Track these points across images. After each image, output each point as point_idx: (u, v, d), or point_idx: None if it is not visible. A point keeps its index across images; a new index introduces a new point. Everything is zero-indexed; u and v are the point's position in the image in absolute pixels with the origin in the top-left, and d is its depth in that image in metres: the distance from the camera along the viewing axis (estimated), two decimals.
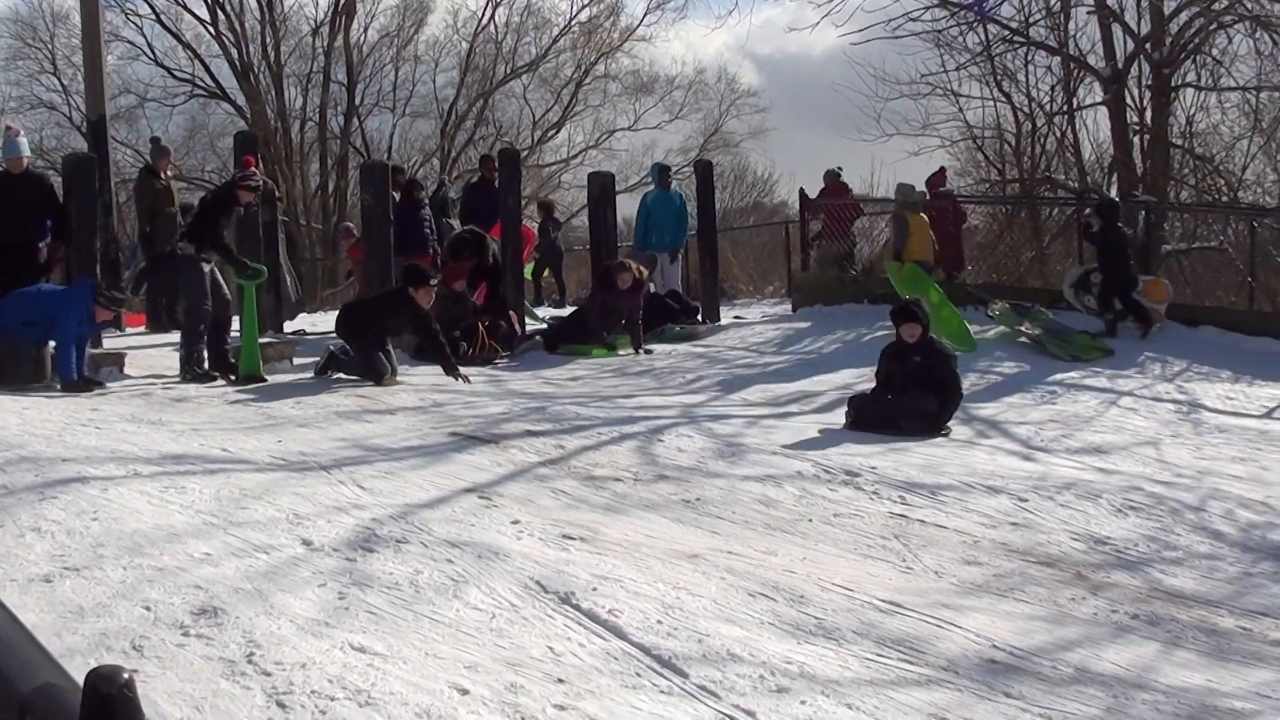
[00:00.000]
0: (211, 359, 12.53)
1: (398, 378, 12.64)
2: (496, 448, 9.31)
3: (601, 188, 17.56)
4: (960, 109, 28.33)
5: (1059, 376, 13.99)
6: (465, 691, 4.84)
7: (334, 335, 15.88)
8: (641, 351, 15.17)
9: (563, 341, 15.41)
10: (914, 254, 17.13)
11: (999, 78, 27.52)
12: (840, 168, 20.77)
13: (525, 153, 38.72)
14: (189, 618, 5.36)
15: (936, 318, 14.56)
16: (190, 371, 12.27)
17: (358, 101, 41.41)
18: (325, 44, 40.49)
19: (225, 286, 12.69)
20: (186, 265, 12.38)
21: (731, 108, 45.47)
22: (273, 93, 40.25)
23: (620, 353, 15.12)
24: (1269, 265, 21.66)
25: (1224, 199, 26.50)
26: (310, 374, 12.83)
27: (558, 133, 44.45)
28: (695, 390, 12.54)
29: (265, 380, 12.29)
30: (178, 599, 5.57)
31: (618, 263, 15.84)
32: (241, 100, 40.16)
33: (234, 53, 39.80)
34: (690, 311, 17.19)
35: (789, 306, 20.28)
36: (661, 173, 19.16)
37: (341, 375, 12.71)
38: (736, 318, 19.79)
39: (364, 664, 4.99)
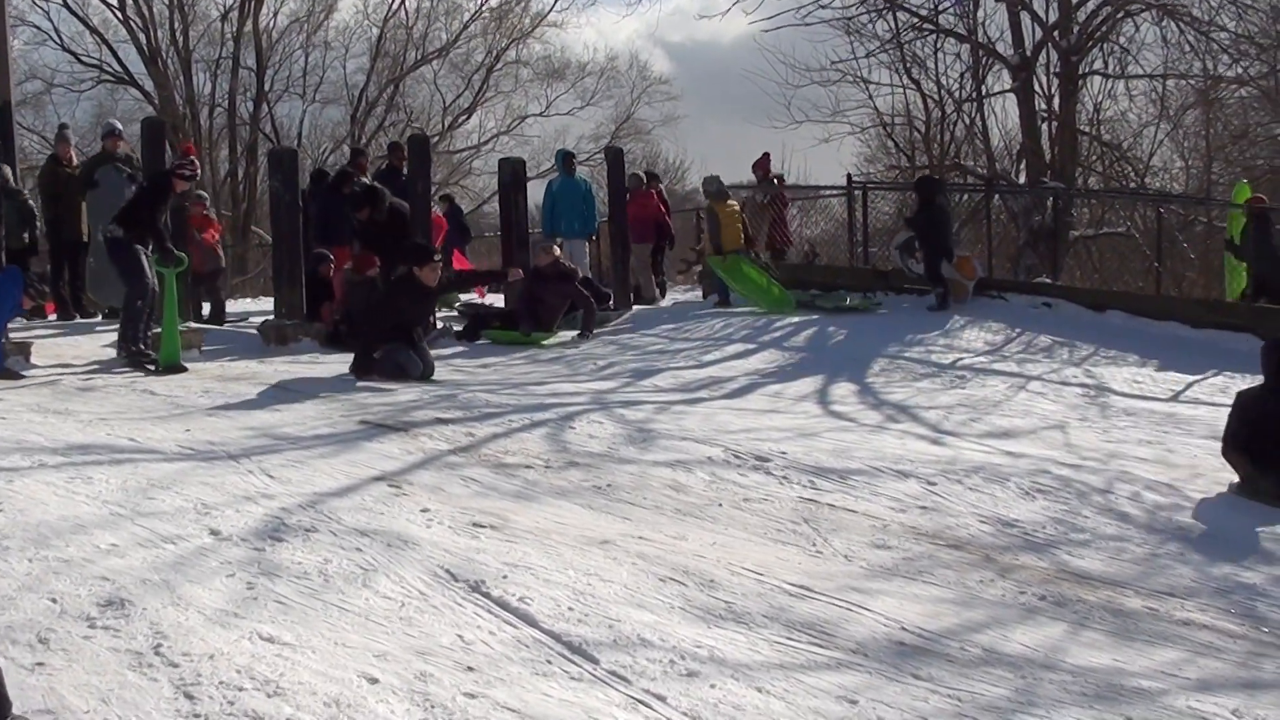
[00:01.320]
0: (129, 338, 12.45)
1: (433, 375, 12.14)
2: (406, 435, 9.27)
3: (513, 174, 17.51)
4: (870, 96, 28.65)
5: (968, 360, 14.12)
6: (375, 680, 4.82)
7: (241, 320, 15.84)
8: (589, 336, 15.14)
9: (486, 328, 15.34)
10: (728, 244, 17.94)
11: (908, 65, 27.81)
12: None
13: (436, 139, 38.56)
14: (95, 610, 5.31)
15: (765, 294, 17.20)
16: (128, 350, 12.24)
17: (267, 87, 41.07)
18: (234, 29, 40.09)
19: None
20: (121, 248, 12.30)
21: (643, 95, 45.58)
22: (181, 78, 39.83)
23: (547, 342, 14.85)
24: (1175, 251, 22.01)
25: (1131, 185, 26.85)
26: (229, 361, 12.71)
27: (469, 119, 44.35)
28: (607, 377, 12.53)
29: (185, 369, 12.10)
30: (84, 591, 5.52)
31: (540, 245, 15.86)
32: (150, 86, 39.72)
33: (142, 38, 39.33)
34: (602, 298, 17.18)
35: (700, 293, 20.33)
36: (566, 159, 19.14)
37: (373, 380, 11.79)
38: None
39: (272, 654, 4.97)
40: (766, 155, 21.02)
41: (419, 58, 43.00)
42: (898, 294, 17.62)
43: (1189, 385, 13.38)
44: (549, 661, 5.24)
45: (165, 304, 12.41)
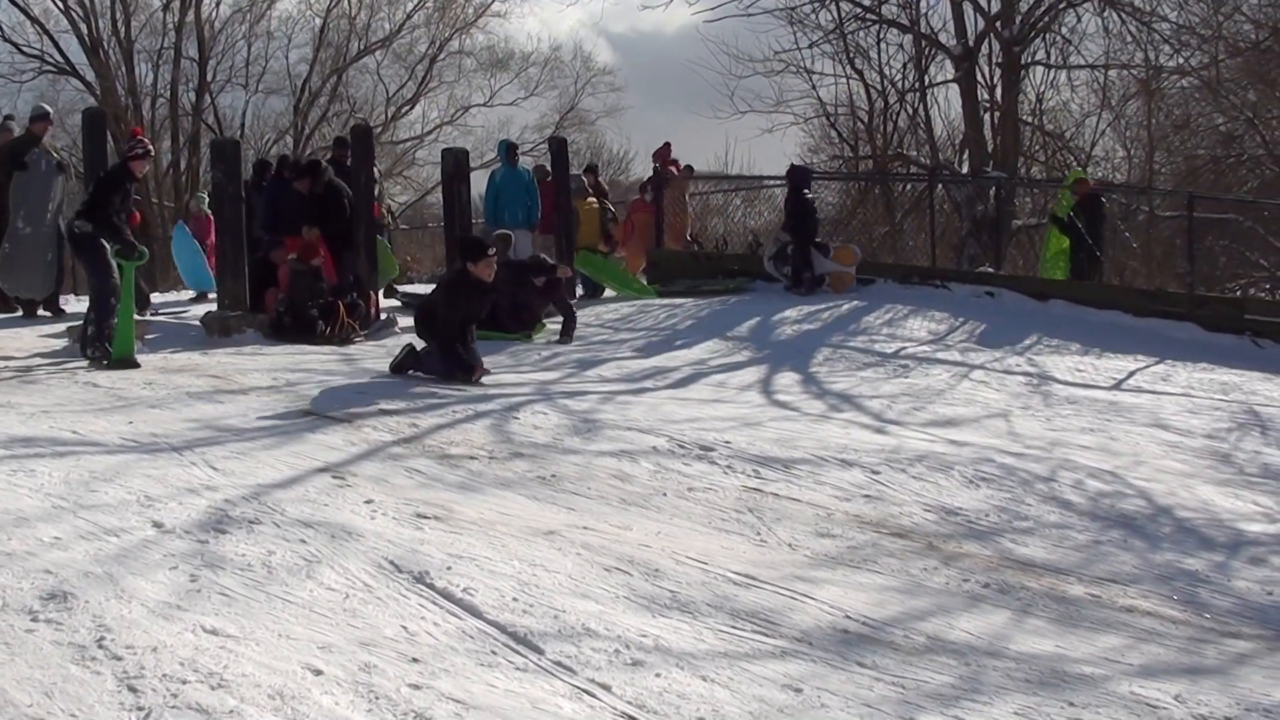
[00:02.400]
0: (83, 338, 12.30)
1: (483, 374, 11.52)
2: (350, 427, 9.24)
3: (456, 164, 17.46)
4: (814, 86, 28.73)
5: (911, 350, 14.19)
6: (319, 672, 4.80)
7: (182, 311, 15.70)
8: (568, 340, 14.47)
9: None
10: (584, 240, 18.69)
11: (852, 55, 27.93)
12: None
13: (379, 129, 38.43)
14: (38, 603, 5.26)
15: (626, 285, 18.31)
16: (100, 349, 11.96)
17: (210, 78, 40.77)
18: (176, 19, 39.79)
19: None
20: (87, 243, 12.09)
21: (587, 85, 45.57)
22: (123, 69, 39.49)
23: (537, 337, 14.59)
24: (1117, 240, 22.13)
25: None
26: (167, 353, 12.62)
27: (412, 109, 44.23)
28: (551, 367, 12.52)
29: (139, 365, 11.84)
30: (26, 584, 5.46)
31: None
32: (91, 77, 39.38)
33: (83, 28, 38.98)
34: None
35: (644, 282, 20.33)
36: (509, 150, 19.10)
37: (419, 375, 11.57)
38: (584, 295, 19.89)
39: (216, 646, 4.93)
40: (667, 145, 21.19)
41: (362, 48, 42.84)
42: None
43: (1131, 374, 13.50)
44: (494, 652, 5.23)
45: (124, 299, 12.10)
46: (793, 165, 19.38)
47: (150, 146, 13.06)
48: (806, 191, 18.26)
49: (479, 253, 11.82)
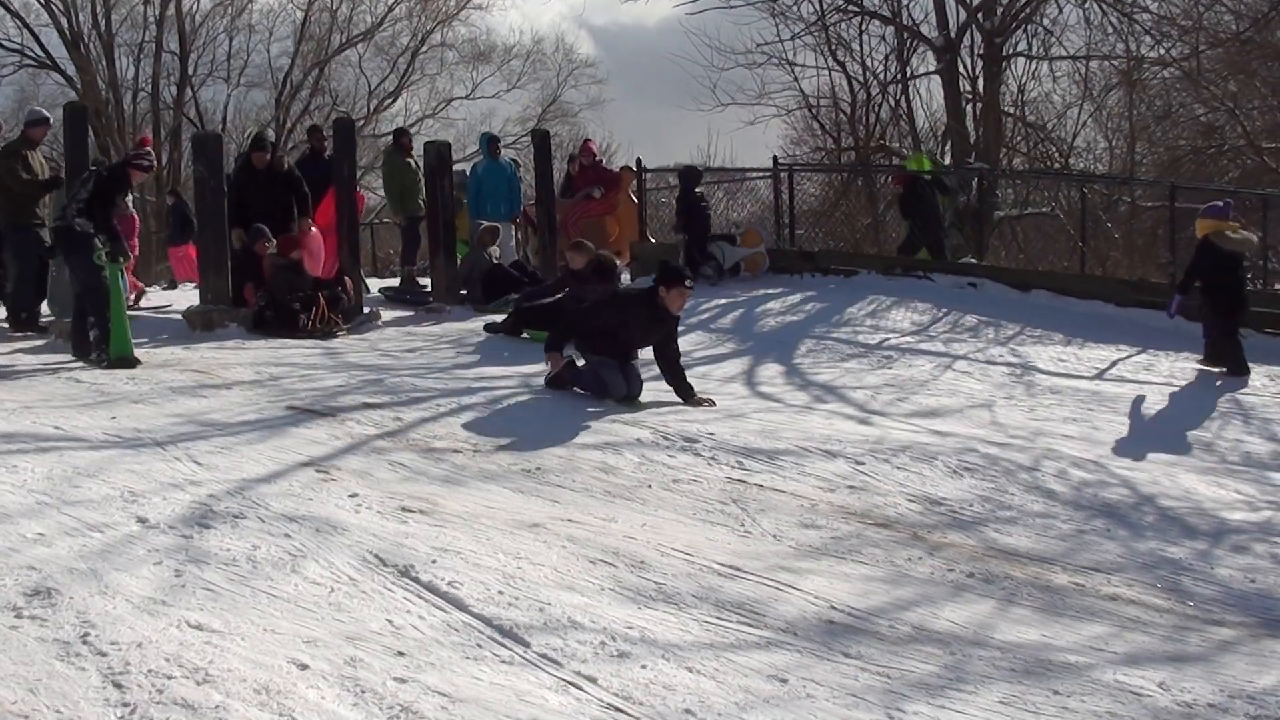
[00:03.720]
0: (77, 341, 12.14)
1: (640, 400, 10.74)
2: (334, 421, 9.24)
3: (438, 157, 17.44)
4: (796, 78, 28.68)
5: (894, 341, 14.21)
6: (305, 666, 4.80)
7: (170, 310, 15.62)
8: None
9: (532, 327, 13.72)
10: (460, 234, 18.54)
11: (834, 47, 27.89)
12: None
13: (361, 122, 38.35)
14: (22, 599, 5.25)
15: None
16: (101, 353, 11.73)
17: (191, 72, 40.65)
18: (157, 13, 39.67)
19: None
20: (83, 243, 11.81)
21: (569, 78, 45.55)
22: (104, 63, 39.35)
23: None
24: (1099, 231, 22.17)
25: (1055, 166, 27.05)
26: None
27: (394, 102, 44.16)
28: (534, 360, 12.50)
29: (139, 363, 11.69)
30: (10, 580, 5.46)
31: (573, 242, 14.79)
32: (72, 70, 39.22)
33: (64, 22, 38.82)
34: (535, 280, 17.15)
35: (628, 276, 20.32)
36: (490, 143, 19.09)
37: (577, 389, 10.84)
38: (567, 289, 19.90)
39: (201, 641, 4.93)
40: (587, 141, 21.22)
41: (344, 41, 42.76)
42: (824, 274, 17.74)
43: (1113, 363, 13.50)
44: (479, 645, 5.24)
45: (114, 297, 11.90)
46: (684, 166, 19.56)
47: (154, 162, 12.99)
48: (697, 190, 18.67)
49: (677, 280, 10.89)
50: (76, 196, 11.94)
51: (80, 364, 11.72)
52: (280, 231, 14.95)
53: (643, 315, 10.87)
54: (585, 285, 13.38)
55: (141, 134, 25.37)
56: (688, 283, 10.94)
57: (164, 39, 39.80)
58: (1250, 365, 12.81)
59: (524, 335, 13.69)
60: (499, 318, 14.59)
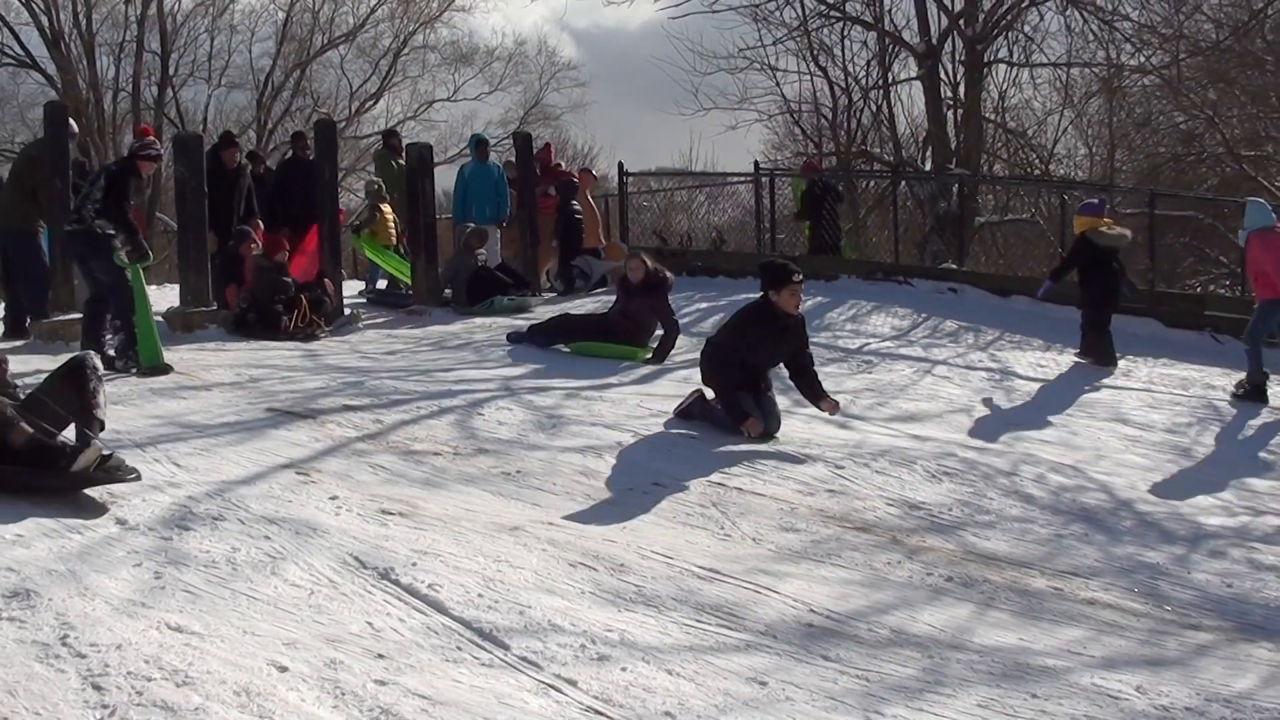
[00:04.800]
0: (88, 347, 11.20)
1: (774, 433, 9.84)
2: (314, 423, 9.22)
3: (420, 159, 17.43)
4: (777, 83, 28.70)
5: (874, 345, 14.24)
6: (284, 669, 4.80)
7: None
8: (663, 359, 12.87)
9: (575, 338, 13.21)
10: (380, 239, 19.12)
11: (815, 52, 27.90)
12: None
13: (343, 124, 38.28)
14: (1, 601, 5.24)
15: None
16: (129, 358, 11.21)
17: (172, 72, 40.46)
18: (138, 13, 39.44)
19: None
20: (104, 245, 11.27)
21: (552, 80, 45.47)
22: (84, 62, 39.16)
23: (641, 358, 12.93)
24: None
25: (1035, 172, 27.14)
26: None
27: (376, 103, 43.98)
28: (515, 363, 12.51)
29: (171, 369, 11.17)
30: None
31: (631, 253, 14.24)
32: (52, 70, 39.06)
33: (44, 20, 38.60)
34: (522, 283, 17.17)
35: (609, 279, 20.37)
36: (479, 145, 19.04)
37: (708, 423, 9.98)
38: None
39: (181, 643, 4.93)
40: (547, 145, 21.25)
41: (325, 42, 42.60)
42: (805, 279, 17.73)
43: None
44: (459, 648, 5.25)
45: (139, 301, 11.37)
46: (563, 182, 19.61)
47: (161, 150, 12.47)
48: (574, 203, 18.85)
49: (784, 278, 9.93)
50: (90, 197, 11.44)
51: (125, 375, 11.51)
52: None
53: (763, 329, 9.96)
54: (632, 299, 13.06)
55: (141, 124, 25.12)
56: (796, 277, 9.97)
57: (145, 38, 39.61)
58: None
59: (564, 348, 13.15)
60: (503, 322, 14.64)
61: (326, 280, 15.22)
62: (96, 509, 6.40)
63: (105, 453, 6.77)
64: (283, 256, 14.67)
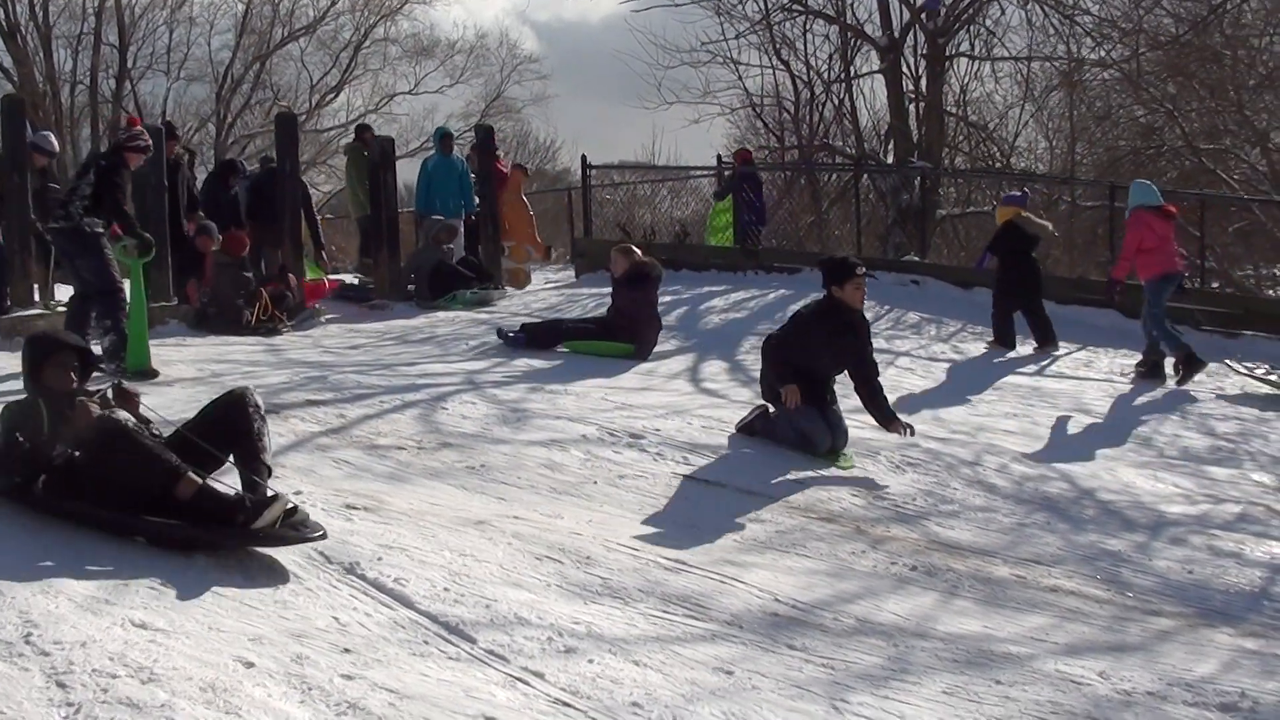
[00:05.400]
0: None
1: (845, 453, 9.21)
2: (277, 418, 9.16)
3: (381, 152, 17.41)
4: (740, 77, 28.76)
5: None
6: (250, 665, 4.79)
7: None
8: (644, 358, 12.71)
9: (578, 339, 12.83)
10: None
11: (778, 46, 27.95)
12: None
13: (303, 117, 38.12)
14: None
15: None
16: (117, 362, 10.76)
17: (130, 64, 40.21)
18: (96, 4, 39.20)
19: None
20: (95, 244, 10.91)
21: (513, 74, 45.32)
22: (41, 55, 38.90)
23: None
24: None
25: (997, 165, 27.23)
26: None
27: (336, 96, 43.79)
28: (479, 357, 12.49)
29: (158, 374, 10.79)
30: None
31: (619, 246, 13.85)
32: (8, 63, 38.76)
33: (0, 13, 38.46)
34: (484, 277, 17.14)
35: (573, 272, 20.36)
36: (443, 139, 18.96)
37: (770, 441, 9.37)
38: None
39: (145, 640, 4.91)
40: (490, 130, 21.21)
41: (286, 34, 42.36)
42: (767, 272, 17.79)
43: (1053, 360, 13.62)
44: (426, 642, 5.24)
45: (136, 301, 11.08)
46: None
47: (150, 143, 11.95)
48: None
49: (847, 272, 9.31)
50: (78, 192, 10.99)
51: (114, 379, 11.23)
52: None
53: (827, 329, 9.31)
54: (618, 294, 12.94)
55: (129, 115, 24.83)
56: (860, 270, 9.37)
57: (103, 31, 39.32)
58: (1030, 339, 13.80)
59: (562, 348, 12.80)
60: (465, 315, 14.60)
61: (290, 275, 15.18)
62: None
63: (289, 505, 6.01)
64: (242, 252, 14.60)
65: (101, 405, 6.46)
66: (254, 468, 6.51)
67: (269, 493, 6.13)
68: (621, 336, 12.73)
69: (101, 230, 10.88)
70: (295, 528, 5.89)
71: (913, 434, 9.30)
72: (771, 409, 9.45)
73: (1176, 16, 25.28)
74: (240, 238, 14.72)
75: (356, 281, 18.37)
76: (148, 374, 10.67)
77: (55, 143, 15.27)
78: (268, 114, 36.42)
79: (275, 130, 16.58)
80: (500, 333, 13.11)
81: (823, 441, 9.07)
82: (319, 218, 20.26)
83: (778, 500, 8.06)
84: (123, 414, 6.30)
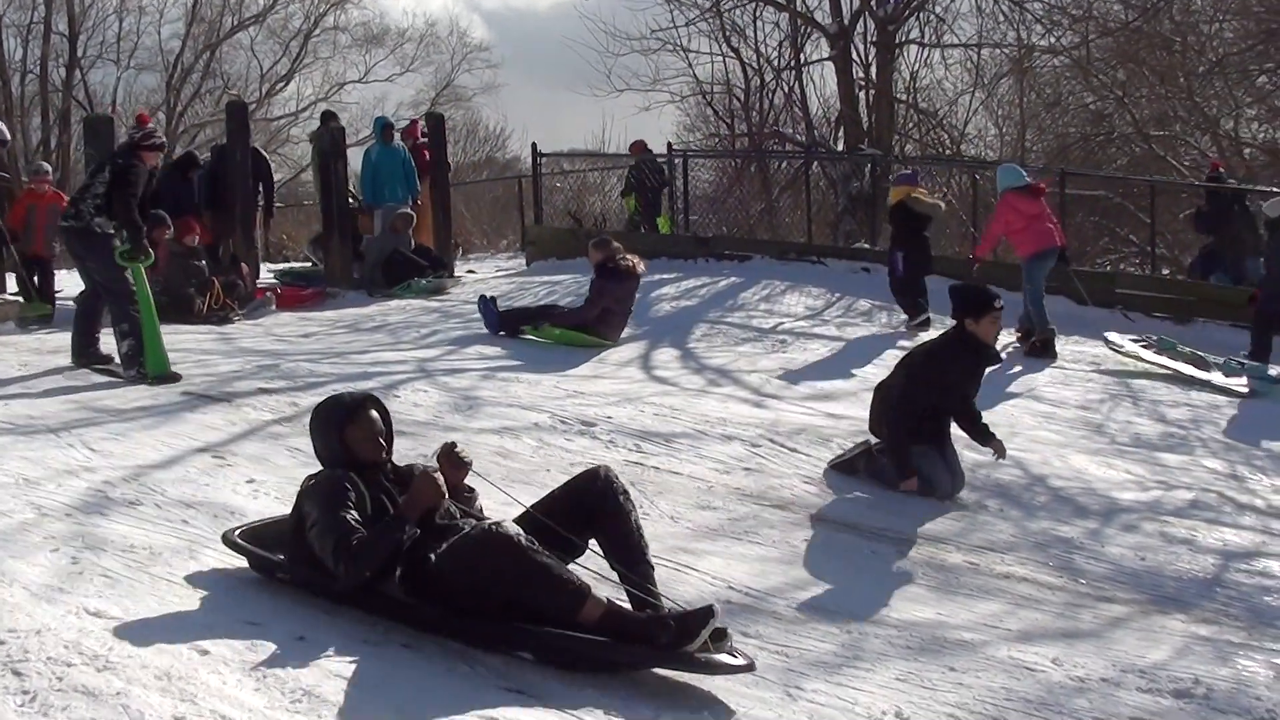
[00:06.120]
0: (79, 345, 11.02)
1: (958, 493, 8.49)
2: (229, 406, 9.16)
3: (332, 141, 17.35)
4: (690, 64, 28.73)
5: (788, 325, 14.32)
6: (206, 652, 4.77)
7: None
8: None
9: (566, 326, 12.85)
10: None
11: (728, 33, 27.93)
12: None
13: (253, 106, 37.93)
14: None
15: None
16: (137, 367, 10.36)
17: (80, 53, 39.94)
18: None
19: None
20: (102, 245, 10.56)
21: (463, 62, 45.24)
22: None
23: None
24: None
25: (947, 152, 27.31)
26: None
27: (286, 85, 43.63)
28: (430, 345, 12.48)
29: (180, 378, 10.25)
30: None
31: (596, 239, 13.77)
32: None
33: None
34: (438, 265, 17.11)
35: (524, 260, 20.35)
36: (384, 128, 18.84)
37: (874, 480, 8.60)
38: (469, 271, 19.93)
39: (101, 628, 4.89)
40: (414, 122, 21.19)
41: (236, 23, 42.18)
42: (718, 260, 17.79)
43: (1005, 346, 13.68)
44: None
45: (142, 305, 10.57)
46: None
47: (164, 141, 11.59)
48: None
49: (984, 306, 8.61)
50: (91, 191, 10.63)
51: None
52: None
53: (961, 366, 8.65)
54: (598, 282, 12.93)
55: (140, 112, 24.57)
56: (998, 303, 8.65)
57: (53, 20, 39.05)
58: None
59: (527, 334, 12.89)
60: (418, 303, 14.57)
61: (242, 264, 15.12)
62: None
63: (716, 619, 5.04)
64: (193, 240, 14.51)
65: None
66: (642, 571, 5.63)
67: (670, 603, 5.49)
68: (604, 330, 12.80)
69: (112, 231, 10.55)
70: (731, 653, 5.05)
71: (1004, 457, 8.71)
72: (875, 442, 8.72)
73: (1126, 3, 25.42)
74: (190, 225, 14.62)
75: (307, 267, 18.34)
76: (169, 378, 10.17)
77: (6, 131, 15.13)
78: (218, 103, 36.21)
79: (226, 119, 16.50)
80: (482, 299, 13.29)
81: (944, 487, 8.38)
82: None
83: (730, 488, 8.09)
84: (512, 527, 5.41)
